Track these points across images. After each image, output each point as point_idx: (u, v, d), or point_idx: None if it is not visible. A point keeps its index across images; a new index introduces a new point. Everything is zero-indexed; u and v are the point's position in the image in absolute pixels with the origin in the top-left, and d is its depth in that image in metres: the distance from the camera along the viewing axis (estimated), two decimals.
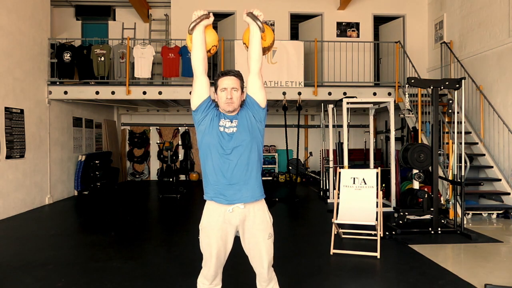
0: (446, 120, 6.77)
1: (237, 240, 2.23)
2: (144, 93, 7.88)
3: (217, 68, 8.70)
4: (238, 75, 2.19)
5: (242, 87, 2.20)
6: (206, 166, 2.17)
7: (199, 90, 2.16)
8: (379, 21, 10.00)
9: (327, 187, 7.93)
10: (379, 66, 9.92)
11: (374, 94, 8.03)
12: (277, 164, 11.81)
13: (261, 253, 2.17)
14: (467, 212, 6.02)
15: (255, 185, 2.17)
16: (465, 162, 5.59)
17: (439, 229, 5.08)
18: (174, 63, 8.01)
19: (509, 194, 6.32)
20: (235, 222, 2.15)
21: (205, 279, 2.23)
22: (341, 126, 7.25)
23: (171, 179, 9.66)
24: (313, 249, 4.50)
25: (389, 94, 8.02)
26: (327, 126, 8.11)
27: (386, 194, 6.90)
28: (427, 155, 5.48)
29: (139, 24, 10.04)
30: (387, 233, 4.94)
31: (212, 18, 2.18)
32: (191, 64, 2.20)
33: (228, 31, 9.31)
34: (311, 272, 3.71)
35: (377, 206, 4.50)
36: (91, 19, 10.17)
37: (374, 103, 7.23)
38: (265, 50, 2.28)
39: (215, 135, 2.13)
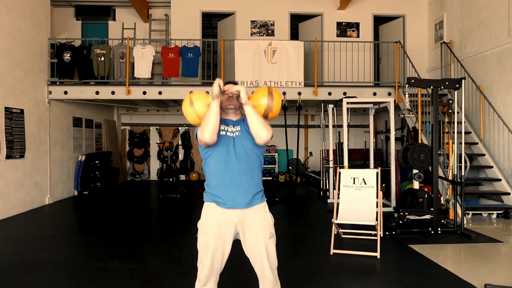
0: (446, 120, 6.77)
1: (237, 242, 2.21)
2: (144, 93, 7.88)
3: (217, 68, 8.70)
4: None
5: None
6: (208, 170, 2.17)
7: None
8: (379, 21, 10.00)
9: (327, 187, 7.92)
10: (379, 66, 9.92)
11: (374, 94, 8.04)
12: (277, 164, 11.81)
13: (262, 253, 2.12)
14: (467, 212, 6.02)
15: (255, 191, 2.15)
16: (465, 162, 5.59)
17: (439, 229, 5.08)
18: (174, 63, 8.01)
19: (509, 194, 6.32)
20: (234, 220, 2.13)
21: (198, 280, 2.17)
22: (341, 126, 7.25)
23: (171, 179, 9.66)
24: (313, 249, 4.50)
25: (389, 94, 8.03)
26: (327, 126, 8.10)
27: (386, 194, 6.90)
28: (427, 155, 5.48)
29: (139, 24, 10.04)
30: (387, 233, 4.94)
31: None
32: (203, 134, 2.04)
33: (228, 31, 9.30)
34: (311, 272, 3.71)
35: (377, 206, 4.50)
36: (91, 19, 10.17)
37: (374, 103, 7.23)
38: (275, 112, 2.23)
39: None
